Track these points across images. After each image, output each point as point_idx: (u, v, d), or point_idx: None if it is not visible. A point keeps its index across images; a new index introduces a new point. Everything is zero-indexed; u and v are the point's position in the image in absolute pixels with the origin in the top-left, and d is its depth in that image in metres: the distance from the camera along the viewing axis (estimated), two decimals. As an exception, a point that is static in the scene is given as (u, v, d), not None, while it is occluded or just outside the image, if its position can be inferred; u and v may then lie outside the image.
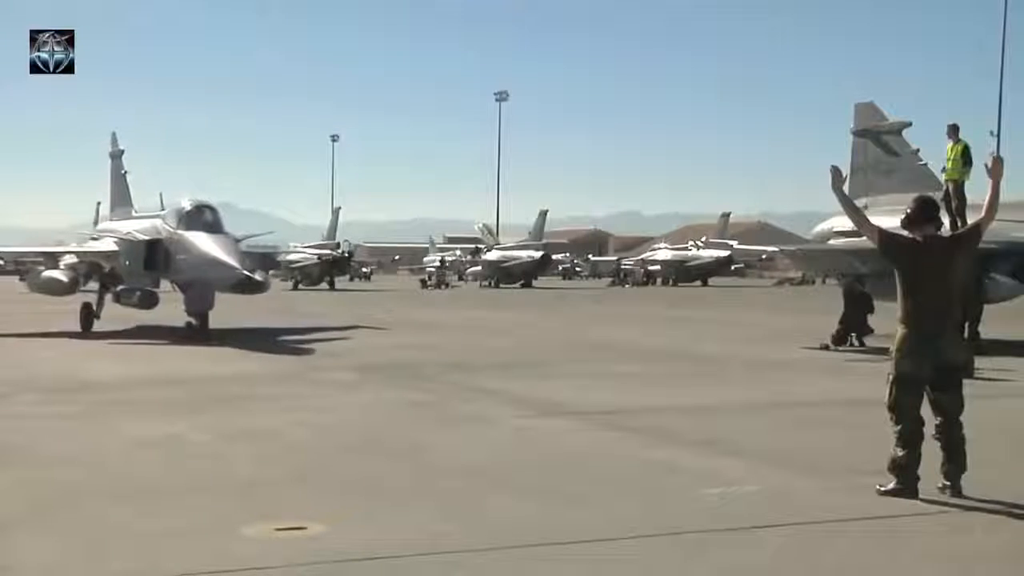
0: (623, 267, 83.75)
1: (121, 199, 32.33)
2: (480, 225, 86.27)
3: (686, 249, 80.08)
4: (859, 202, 24.93)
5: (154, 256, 23.86)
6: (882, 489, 7.77)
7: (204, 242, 22.48)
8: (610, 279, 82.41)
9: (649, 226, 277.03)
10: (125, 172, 32.57)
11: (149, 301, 24.53)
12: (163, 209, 26.47)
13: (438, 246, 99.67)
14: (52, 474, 8.74)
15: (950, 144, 20.73)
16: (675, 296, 54.01)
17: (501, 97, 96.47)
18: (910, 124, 25.76)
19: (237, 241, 23.94)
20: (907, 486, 7.71)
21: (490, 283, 70.03)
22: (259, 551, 6.39)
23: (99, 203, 71.96)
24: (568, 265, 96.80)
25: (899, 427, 7.83)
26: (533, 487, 8.27)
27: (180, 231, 23.26)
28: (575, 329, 27.39)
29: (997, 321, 21.04)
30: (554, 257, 79.94)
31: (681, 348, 21.47)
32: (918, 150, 24.98)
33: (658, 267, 78.64)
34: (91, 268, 27.94)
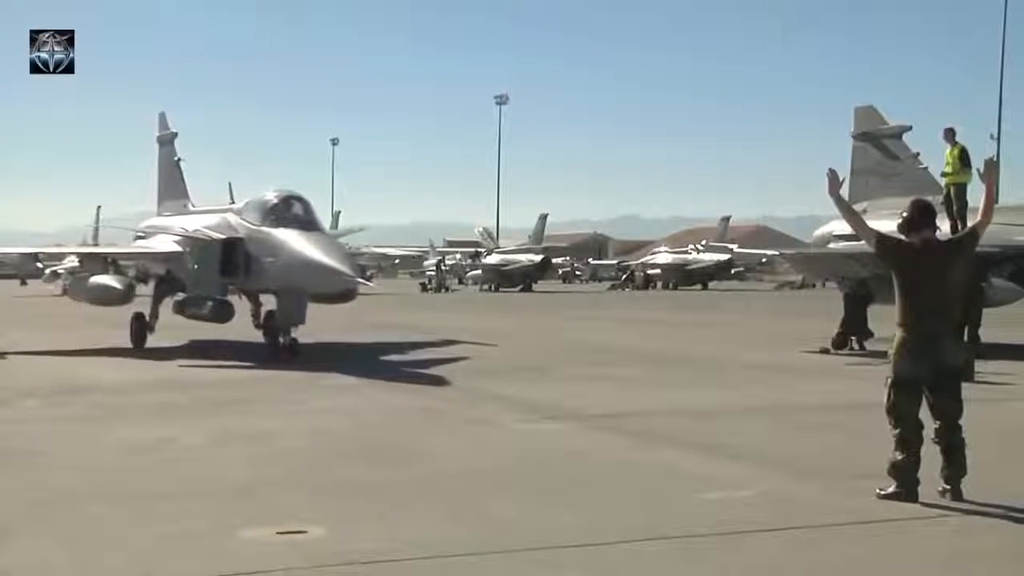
0: (630, 268, 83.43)
1: (173, 191, 27.94)
2: (480, 229, 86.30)
3: (686, 253, 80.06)
4: (859, 206, 24.98)
5: (232, 258, 19.80)
6: (882, 493, 7.78)
7: (299, 242, 18.53)
8: (611, 283, 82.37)
9: (649, 230, 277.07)
10: (179, 159, 28.19)
11: (224, 313, 20.42)
12: (233, 201, 22.65)
13: (438, 250, 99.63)
14: (50, 478, 8.74)
15: (949, 147, 20.77)
16: (675, 300, 54.01)
17: (501, 100, 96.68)
18: (910, 128, 25.79)
19: (334, 239, 19.92)
20: (907, 489, 7.71)
21: (490, 287, 70.04)
22: (259, 555, 6.39)
23: (99, 207, 72.20)
24: (568, 269, 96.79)
25: (898, 431, 7.84)
26: (534, 490, 8.28)
27: (266, 228, 19.29)
28: (576, 333, 27.38)
29: (997, 325, 21.03)
30: (554, 261, 79.95)
31: (681, 352, 21.47)
32: (918, 154, 25.00)
33: (658, 271, 78.65)
34: (153, 274, 24.22)
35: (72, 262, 60.01)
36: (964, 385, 8.11)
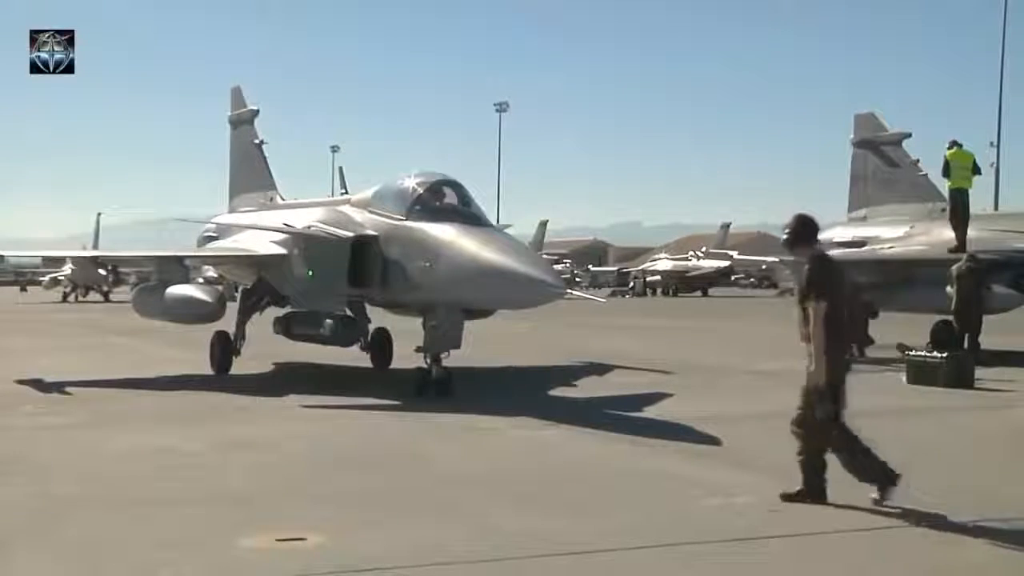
0: (633, 275, 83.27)
1: (253, 180, 23.08)
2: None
3: (686, 259, 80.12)
4: (859, 213, 25.12)
5: (365, 263, 15.27)
6: (877, 499, 7.80)
7: (468, 241, 13.97)
8: (611, 289, 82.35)
9: (649, 236, 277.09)
10: (261, 141, 23.33)
11: (350, 333, 16.67)
12: (345, 191, 19.17)
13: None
14: (50, 485, 8.74)
15: None
16: (675, 306, 54.00)
17: (501, 108, 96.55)
18: (909, 135, 25.80)
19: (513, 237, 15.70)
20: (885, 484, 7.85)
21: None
22: (258, 562, 6.39)
23: (99, 214, 71.68)
24: (568, 276, 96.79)
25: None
26: (534, 497, 8.28)
27: (411, 223, 14.74)
28: (576, 339, 27.37)
29: (997, 332, 21.00)
30: (554, 267, 79.86)
31: (682, 358, 21.43)
32: (918, 160, 25.03)
33: (658, 277, 78.68)
34: (239, 282, 20.32)
35: (65, 270, 58.61)
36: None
